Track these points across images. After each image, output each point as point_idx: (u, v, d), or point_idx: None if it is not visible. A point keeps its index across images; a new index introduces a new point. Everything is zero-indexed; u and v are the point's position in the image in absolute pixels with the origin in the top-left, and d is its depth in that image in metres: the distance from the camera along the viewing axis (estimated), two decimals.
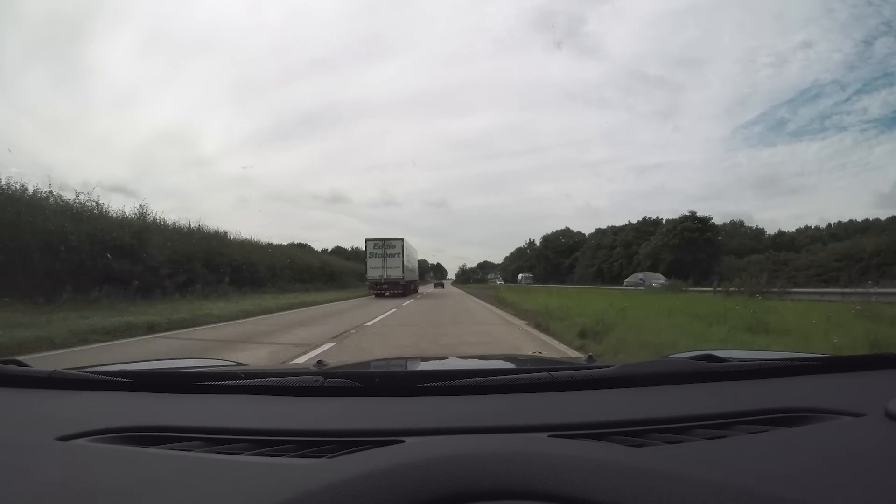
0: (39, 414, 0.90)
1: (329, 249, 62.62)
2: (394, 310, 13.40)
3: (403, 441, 0.68)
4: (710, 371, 1.04)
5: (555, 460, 0.48)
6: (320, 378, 0.98)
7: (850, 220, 49.54)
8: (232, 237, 23.51)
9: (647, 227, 50.00)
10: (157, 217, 17.61)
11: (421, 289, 36.67)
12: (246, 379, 1.01)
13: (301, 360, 5.19)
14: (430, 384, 0.97)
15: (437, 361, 1.78)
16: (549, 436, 0.70)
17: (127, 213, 15.89)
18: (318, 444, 0.71)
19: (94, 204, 14.13)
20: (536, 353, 1.87)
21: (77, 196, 13.82)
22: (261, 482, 0.55)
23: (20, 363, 1.09)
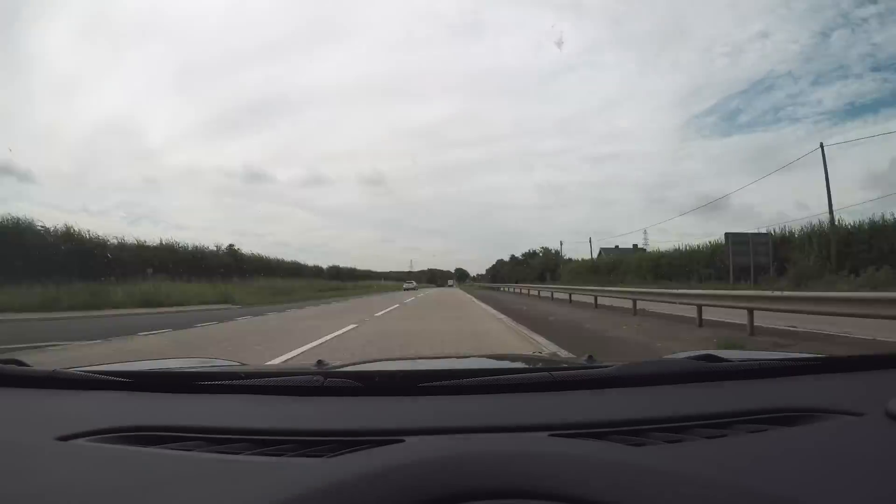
0: (39, 414, 0.90)
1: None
2: None
3: (403, 441, 0.68)
4: (709, 371, 1.04)
5: (555, 460, 0.48)
6: (320, 378, 0.98)
7: None
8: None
9: None
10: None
11: None
12: (246, 379, 1.01)
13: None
14: (430, 384, 0.97)
15: (437, 361, 1.79)
16: (549, 435, 0.70)
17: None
18: (318, 444, 0.71)
19: None
20: (536, 353, 1.87)
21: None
22: (261, 482, 0.55)
23: (20, 363, 1.09)
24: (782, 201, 74.79)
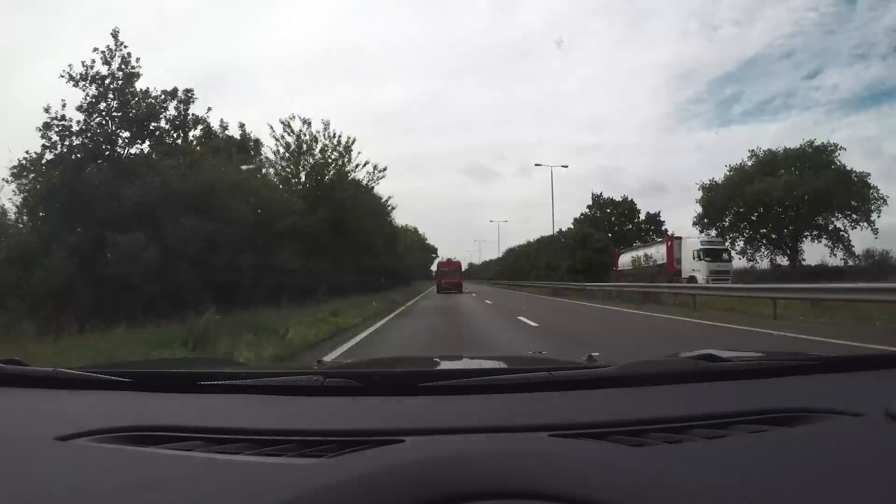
0: (39, 414, 0.90)
1: None
2: None
3: (403, 441, 0.68)
4: (710, 371, 1.04)
5: (555, 460, 0.48)
6: (320, 377, 0.98)
7: None
8: None
9: None
10: None
11: None
12: (246, 379, 1.02)
13: None
14: (430, 383, 0.97)
15: (438, 361, 1.78)
16: (549, 435, 0.70)
17: None
18: (319, 444, 0.71)
19: None
20: (537, 353, 1.87)
21: None
22: (261, 482, 0.55)
23: (21, 363, 1.09)
24: None
